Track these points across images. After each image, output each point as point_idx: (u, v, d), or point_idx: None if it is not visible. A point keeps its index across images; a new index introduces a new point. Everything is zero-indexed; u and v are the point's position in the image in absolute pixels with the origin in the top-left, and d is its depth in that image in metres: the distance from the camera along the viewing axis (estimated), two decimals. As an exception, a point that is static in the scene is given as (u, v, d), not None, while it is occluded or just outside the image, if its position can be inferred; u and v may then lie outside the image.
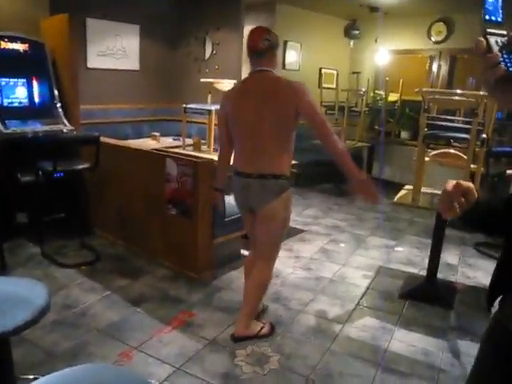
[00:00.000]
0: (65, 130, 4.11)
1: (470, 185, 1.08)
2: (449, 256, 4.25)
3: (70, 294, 3.22)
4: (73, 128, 4.17)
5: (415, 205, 3.32)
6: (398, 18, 6.59)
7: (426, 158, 3.44)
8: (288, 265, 3.93)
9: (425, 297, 3.40)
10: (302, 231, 4.85)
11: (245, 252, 4.07)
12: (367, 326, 3.01)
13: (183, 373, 2.43)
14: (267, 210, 2.56)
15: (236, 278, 3.61)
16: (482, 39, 0.88)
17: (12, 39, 4.05)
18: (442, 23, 6.57)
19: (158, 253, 3.79)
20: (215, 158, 3.81)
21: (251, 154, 2.56)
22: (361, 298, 3.42)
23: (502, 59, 0.86)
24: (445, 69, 6.76)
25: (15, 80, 4.12)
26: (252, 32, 2.57)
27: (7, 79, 4.07)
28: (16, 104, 4.13)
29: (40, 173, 3.65)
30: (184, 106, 4.99)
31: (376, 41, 7.03)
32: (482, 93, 3.22)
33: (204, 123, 5.15)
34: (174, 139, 5.83)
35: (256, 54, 2.53)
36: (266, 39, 2.50)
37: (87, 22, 5.25)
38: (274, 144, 2.51)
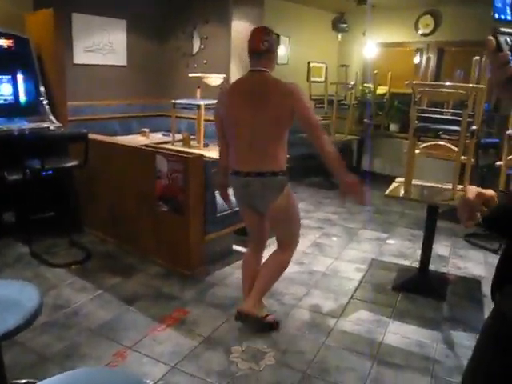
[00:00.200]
0: (52, 128, 4.05)
1: (492, 193, 1.06)
2: (440, 247, 4.27)
3: (61, 294, 3.17)
4: (60, 125, 4.10)
5: (407, 197, 3.32)
6: (385, 11, 6.58)
7: (417, 151, 3.44)
8: (281, 260, 3.92)
9: (418, 288, 3.42)
10: (293, 225, 4.84)
11: (237, 247, 4.06)
12: (361, 319, 3.02)
13: (178, 371, 2.41)
14: (273, 210, 2.64)
15: (229, 273, 3.59)
16: (492, 38, 0.87)
17: (-5, 35, 3.97)
18: (429, 16, 6.59)
19: (150, 250, 3.75)
20: (205, 153, 3.80)
21: (248, 152, 2.58)
22: (354, 292, 3.42)
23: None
24: (432, 61, 6.77)
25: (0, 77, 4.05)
26: (253, 32, 2.61)
27: (-9, 76, 4.00)
28: (1, 101, 4.05)
29: (27, 171, 3.59)
30: (173, 101, 4.94)
31: (364, 34, 7.03)
32: (471, 85, 3.23)
33: (193, 118, 5.11)
34: (164, 135, 5.78)
35: (256, 54, 2.57)
36: (266, 40, 2.54)
37: (73, 16, 5.16)
38: (270, 142, 2.56)
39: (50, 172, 3.62)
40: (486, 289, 3.54)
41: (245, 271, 2.93)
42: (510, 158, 3.24)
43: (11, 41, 4.05)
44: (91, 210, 4.23)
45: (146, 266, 3.65)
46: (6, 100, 4.09)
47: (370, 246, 4.37)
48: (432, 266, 3.60)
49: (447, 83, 3.29)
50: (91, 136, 3.79)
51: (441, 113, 3.63)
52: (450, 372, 2.51)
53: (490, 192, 1.06)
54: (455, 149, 3.27)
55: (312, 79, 6.64)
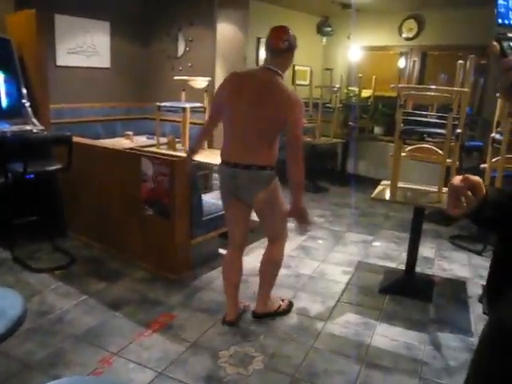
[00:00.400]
0: (34, 130, 3.97)
1: (478, 179, 1.04)
2: (425, 249, 4.30)
3: (45, 300, 3.11)
4: (43, 128, 4.03)
5: (394, 200, 3.33)
6: (369, 15, 6.64)
7: (403, 154, 3.46)
8: (267, 263, 3.90)
9: (404, 291, 3.44)
10: (279, 229, 4.83)
11: (223, 251, 4.03)
12: (349, 322, 3.02)
13: (166, 377, 2.37)
14: (259, 202, 2.67)
15: (215, 277, 3.56)
16: (496, 43, 0.86)
17: (-25, 35, 3.89)
18: (412, 20, 6.66)
19: (136, 254, 3.70)
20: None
21: (238, 145, 2.62)
22: (341, 294, 3.42)
23: None
24: (416, 65, 6.84)
25: (-20, 79, 3.97)
26: (273, 30, 2.62)
27: (-29, 78, 3.91)
28: (-18, 104, 3.98)
29: (10, 175, 3.52)
30: (158, 104, 4.90)
31: (349, 37, 7.08)
32: (456, 88, 3.26)
33: (178, 121, 5.08)
34: (148, 138, 5.74)
35: (274, 52, 2.60)
36: (286, 39, 2.56)
37: (55, 18, 5.10)
38: (261, 139, 2.60)
39: (33, 175, 3.55)
40: (471, 290, 3.58)
41: (227, 271, 2.94)
42: (494, 160, 3.28)
43: (-9, 42, 3.97)
44: (75, 214, 4.16)
45: (132, 270, 3.60)
46: (-14, 102, 4.01)
47: (356, 249, 4.38)
48: (418, 268, 3.62)
49: (432, 87, 3.31)
50: (75, 139, 3.73)
51: (426, 116, 3.66)
52: (438, 373, 2.52)
53: (475, 178, 1.04)
54: (440, 152, 3.30)
55: (297, 82, 6.66)
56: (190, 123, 4.85)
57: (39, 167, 3.57)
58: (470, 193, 1.02)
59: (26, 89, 4.11)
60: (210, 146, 5.47)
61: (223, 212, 3.81)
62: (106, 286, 3.34)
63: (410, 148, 3.53)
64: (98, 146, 4.10)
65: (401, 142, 3.28)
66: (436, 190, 3.29)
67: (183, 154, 4.04)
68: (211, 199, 3.98)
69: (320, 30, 7.34)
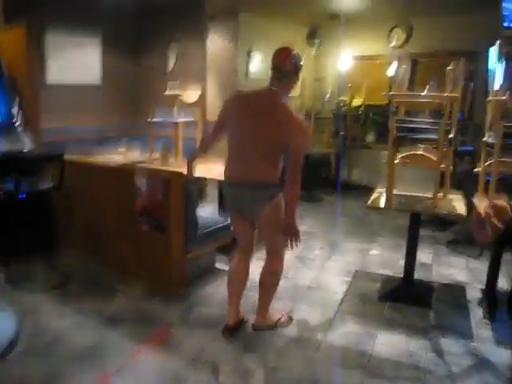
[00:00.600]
0: (26, 149, 3.95)
1: (504, 204, 1.04)
2: (423, 255, 4.28)
3: (40, 320, 3.04)
4: (34, 146, 4.01)
5: (389, 207, 3.32)
6: (358, 25, 6.68)
7: (396, 160, 3.46)
8: (265, 275, 3.87)
9: (403, 298, 3.41)
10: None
11: (219, 265, 4.00)
12: (350, 332, 2.99)
13: (165, 395, 2.33)
14: (262, 217, 2.69)
15: (212, 292, 3.52)
16: (504, 45, 0.86)
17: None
18: (400, 28, 6.71)
19: (131, 271, 3.66)
20: (184, 170, 3.74)
21: (242, 163, 2.65)
22: (340, 304, 3.39)
23: None
24: (406, 72, 6.88)
25: (-30, 99, 3.95)
26: (279, 50, 2.64)
27: (-39, 98, 3.89)
28: (-28, 124, 3.95)
29: (1, 194, 3.48)
30: (149, 119, 4.89)
31: (338, 47, 7.11)
32: (447, 94, 3.28)
33: (171, 136, 5.06)
34: (141, 153, 5.70)
35: (278, 72, 2.60)
36: (292, 60, 2.59)
37: (46, 35, 5.09)
38: (264, 160, 2.61)
39: (25, 195, 3.52)
40: (471, 294, 3.56)
41: (232, 274, 2.97)
42: (487, 163, 3.29)
43: (-19, 61, 3.96)
44: (69, 233, 4.12)
45: (127, 287, 3.56)
46: (-23, 122, 3.98)
47: (353, 257, 4.36)
48: (416, 275, 3.59)
49: (424, 93, 3.32)
50: (67, 157, 3.71)
51: (418, 122, 3.67)
52: (441, 381, 2.49)
53: (501, 203, 1.04)
54: (433, 157, 3.30)
55: (288, 93, 6.67)
56: (183, 137, 4.83)
57: (31, 186, 3.54)
58: (496, 221, 1.02)
59: (17, 107, 4.09)
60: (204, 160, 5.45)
61: (219, 225, 3.83)
62: (102, 304, 3.29)
63: (403, 155, 3.53)
64: (90, 163, 4.07)
65: (394, 149, 3.28)
66: (431, 195, 3.28)
67: (177, 169, 4.03)
68: (206, 213, 3.96)
69: (309, 41, 7.38)
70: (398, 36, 6.75)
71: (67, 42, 5.36)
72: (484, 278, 3.52)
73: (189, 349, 2.74)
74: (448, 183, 3.48)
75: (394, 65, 5.89)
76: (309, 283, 3.74)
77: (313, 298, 3.49)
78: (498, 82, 3.26)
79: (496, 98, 3.18)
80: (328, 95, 7.22)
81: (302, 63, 2.66)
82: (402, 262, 3.63)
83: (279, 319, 3.04)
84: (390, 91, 3.55)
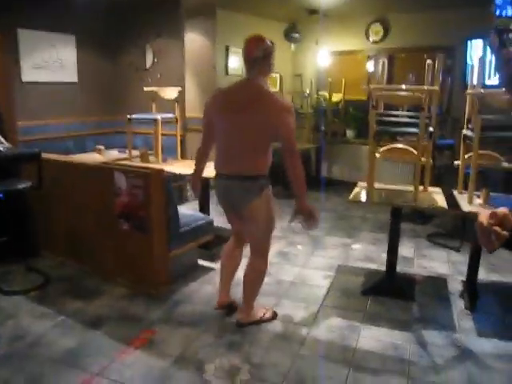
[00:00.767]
0: (1, 149, 3.85)
1: (505, 211, 1.04)
2: (404, 249, 4.32)
3: (20, 323, 2.99)
4: (10, 146, 3.90)
5: (372, 201, 3.34)
6: (336, 20, 6.70)
7: (377, 155, 3.48)
8: (248, 271, 3.86)
9: (386, 291, 3.44)
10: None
11: (202, 262, 3.98)
12: (334, 326, 3.00)
13: (151, 395, 2.30)
14: (250, 210, 2.69)
15: (196, 289, 3.50)
16: (495, 36, 0.86)
17: None
18: (378, 24, 6.75)
19: (113, 270, 3.61)
20: (165, 168, 3.71)
21: (230, 156, 2.69)
22: (324, 299, 3.40)
23: None
24: (385, 67, 6.94)
25: None
26: (247, 41, 2.64)
27: None
28: None
29: (-23, 195, 3.40)
30: (128, 116, 4.82)
31: (317, 43, 7.13)
32: (426, 87, 3.30)
33: (150, 133, 5.00)
34: (120, 151, 5.63)
35: (249, 62, 2.62)
36: (259, 49, 2.58)
37: (19, 32, 4.97)
38: (252, 149, 2.63)
39: (2, 195, 3.43)
40: (452, 286, 3.61)
41: (224, 261, 3.06)
42: (467, 157, 3.33)
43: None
44: (48, 233, 4.04)
45: (110, 287, 3.51)
46: (-51, 122, 3.87)
47: (336, 252, 4.38)
48: (398, 268, 3.62)
49: (404, 86, 3.35)
50: (44, 156, 3.63)
51: (397, 116, 3.70)
52: (425, 372, 2.52)
53: (501, 211, 1.04)
54: (413, 151, 3.33)
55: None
56: (162, 134, 4.78)
57: (8, 186, 3.45)
58: (499, 229, 1.02)
59: (-9, 106, 4.00)
60: (184, 157, 5.42)
61: (201, 222, 3.81)
62: (84, 305, 3.23)
63: (383, 149, 3.55)
64: (68, 162, 3.99)
65: (375, 143, 3.29)
66: (412, 189, 3.31)
67: (157, 166, 3.99)
68: (188, 210, 3.93)
69: (288, 37, 7.37)
70: (377, 31, 6.79)
71: (42, 40, 5.24)
72: (464, 269, 3.57)
73: (173, 347, 2.72)
74: (428, 177, 3.51)
75: (373, 60, 5.94)
76: (292, 279, 3.74)
77: (296, 293, 3.49)
78: (477, 75, 3.29)
79: (474, 91, 3.22)
80: (308, 91, 7.23)
81: (271, 49, 2.65)
82: (384, 256, 3.66)
83: (263, 315, 3.04)
84: (368, 85, 3.56)
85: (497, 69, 0.89)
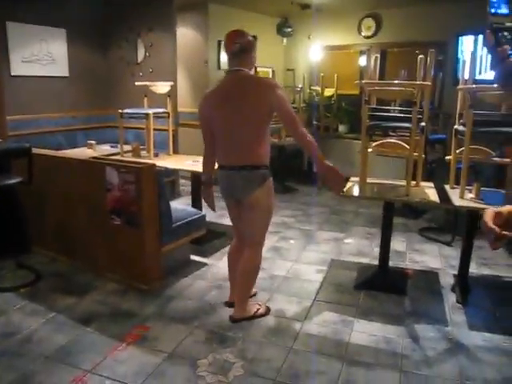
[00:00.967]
0: (-9, 144, 3.81)
1: (510, 210, 1.03)
2: (396, 243, 4.34)
3: (11, 319, 2.96)
4: (0, 140, 3.87)
5: (365, 196, 3.35)
6: (329, 15, 6.69)
7: (369, 149, 3.48)
8: (241, 266, 3.85)
9: (379, 286, 3.45)
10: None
11: (194, 257, 3.97)
12: (327, 321, 3.00)
13: (144, 391, 2.29)
14: (251, 199, 2.73)
15: (188, 285, 3.49)
16: (491, 34, 0.86)
17: None
18: (370, 18, 6.76)
19: (104, 266, 3.59)
20: (157, 162, 3.69)
21: (231, 148, 2.73)
22: (317, 293, 3.40)
23: (511, 52, 0.84)
24: (377, 62, 6.94)
25: None
26: (226, 35, 2.72)
27: None
28: None
29: (-34, 191, 3.36)
30: (120, 111, 4.78)
31: (309, 37, 7.12)
32: (418, 82, 3.30)
33: (142, 128, 4.98)
34: (111, 146, 5.60)
35: (230, 55, 2.71)
36: (238, 42, 2.65)
37: (7, 25, 4.91)
38: (253, 138, 2.68)
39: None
40: (444, 280, 3.63)
41: (229, 262, 3.09)
42: (458, 151, 3.34)
43: None
44: (39, 228, 4.00)
45: (101, 283, 3.49)
46: None
47: (329, 247, 4.38)
48: (391, 262, 3.64)
49: (396, 81, 3.34)
50: (35, 150, 3.59)
51: (388, 110, 3.70)
52: (417, 365, 2.53)
53: (506, 209, 1.03)
54: (405, 145, 3.33)
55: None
56: (154, 129, 4.75)
57: (-2, 181, 3.41)
58: (504, 232, 1.02)
59: (-20, 101, 3.95)
60: (176, 152, 5.39)
61: (193, 217, 3.80)
62: (76, 301, 3.21)
63: (376, 143, 3.55)
64: (59, 157, 3.95)
65: (367, 138, 3.29)
66: (404, 183, 3.32)
67: (149, 161, 3.96)
68: (180, 205, 3.91)
69: (280, 31, 7.36)
70: (369, 26, 6.79)
71: (31, 33, 5.18)
72: (456, 263, 3.59)
73: (166, 343, 2.71)
74: (420, 171, 3.52)
75: (366, 55, 5.93)
76: (285, 273, 3.75)
77: (289, 288, 3.49)
78: (468, 70, 3.29)
79: (466, 86, 3.22)
80: (300, 85, 7.22)
81: (251, 43, 2.71)
82: (376, 250, 3.67)
83: (257, 311, 3.04)
84: (361, 80, 3.56)
85: (492, 66, 0.89)
